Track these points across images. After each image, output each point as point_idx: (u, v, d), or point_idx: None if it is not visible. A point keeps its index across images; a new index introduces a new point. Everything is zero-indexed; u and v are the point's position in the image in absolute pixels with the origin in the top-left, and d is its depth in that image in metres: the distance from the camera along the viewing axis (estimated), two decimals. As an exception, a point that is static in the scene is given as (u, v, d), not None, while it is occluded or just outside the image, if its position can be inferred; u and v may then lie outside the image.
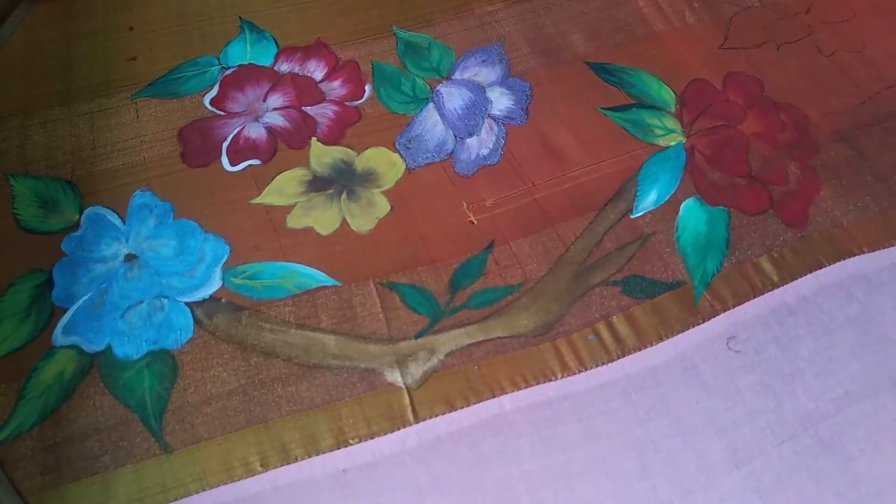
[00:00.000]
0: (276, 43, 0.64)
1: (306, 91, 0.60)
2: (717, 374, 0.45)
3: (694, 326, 0.47)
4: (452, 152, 0.57)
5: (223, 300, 0.49)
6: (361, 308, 0.49)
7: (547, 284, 0.49)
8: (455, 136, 0.58)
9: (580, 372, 0.45)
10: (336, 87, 0.61)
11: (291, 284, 0.50)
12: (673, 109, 0.59)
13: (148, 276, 0.50)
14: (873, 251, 0.50)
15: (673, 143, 0.57)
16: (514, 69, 0.62)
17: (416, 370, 0.46)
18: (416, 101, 0.60)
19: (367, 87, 0.61)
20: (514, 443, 0.43)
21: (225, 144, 0.57)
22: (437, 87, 0.61)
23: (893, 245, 0.50)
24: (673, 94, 0.60)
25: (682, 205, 0.53)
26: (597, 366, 0.46)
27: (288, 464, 0.42)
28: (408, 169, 0.56)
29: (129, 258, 0.51)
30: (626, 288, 0.49)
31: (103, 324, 0.48)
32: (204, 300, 0.49)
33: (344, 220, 0.53)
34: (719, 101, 0.59)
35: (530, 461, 0.42)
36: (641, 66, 0.62)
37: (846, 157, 0.55)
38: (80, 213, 0.53)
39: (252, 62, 0.62)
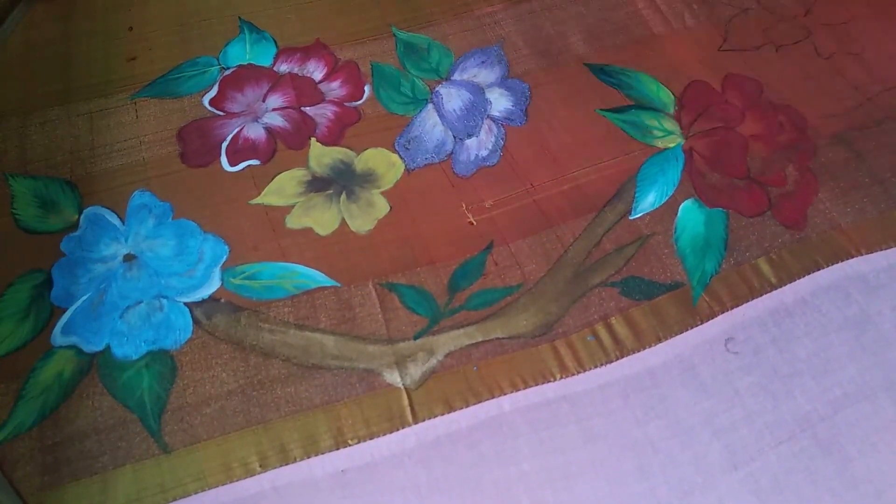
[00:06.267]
0: (275, 43, 0.64)
1: (306, 91, 0.60)
2: (715, 376, 0.45)
3: (692, 328, 0.47)
4: (452, 153, 0.57)
5: (222, 300, 0.49)
6: (360, 309, 0.49)
7: (546, 285, 0.50)
8: (454, 137, 0.58)
9: (579, 373, 0.45)
10: (335, 88, 0.61)
11: (290, 285, 0.50)
12: (672, 111, 0.59)
13: (147, 277, 0.50)
14: (871, 253, 0.50)
15: (672, 145, 0.57)
16: (514, 70, 0.62)
17: (415, 371, 0.46)
18: (415, 102, 0.60)
19: (367, 88, 0.61)
20: (512, 443, 0.43)
21: (224, 145, 0.57)
22: (437, 88, 0.61)
23: (891, 247, 0.50)
24: (672, 96, 0.60)
25: (681, 206, 0.53)
26: (595, 367, 0.46)
27: (287, 464, 0.42)
28: (407, 170, 0.56)
29: (129, 258, 0.51)
30: (625, 289, 0.49)
31: (102, 324, 0.48)
32: (203, 300, 0.49)
33: (343, 221, 0.53)
34: (718, 102, 0.59)
35: (529, 462, 0.42)
36: (640, 67, 0.62)
37: (844, 158, 0.55)
38: (80, 213, 0.53)
39: (251, 62, 0.62)
